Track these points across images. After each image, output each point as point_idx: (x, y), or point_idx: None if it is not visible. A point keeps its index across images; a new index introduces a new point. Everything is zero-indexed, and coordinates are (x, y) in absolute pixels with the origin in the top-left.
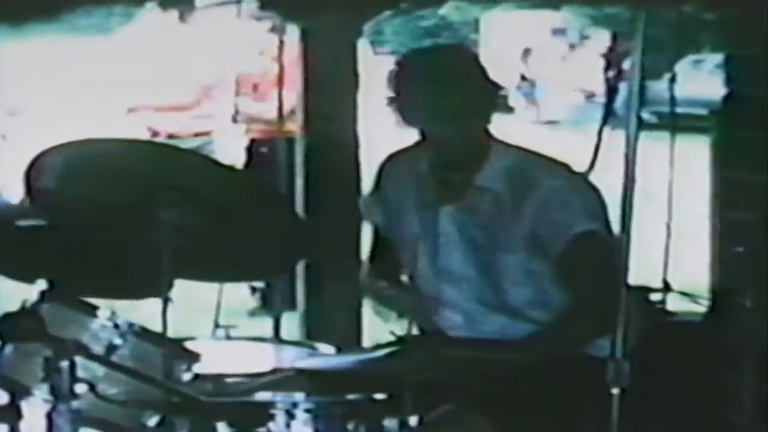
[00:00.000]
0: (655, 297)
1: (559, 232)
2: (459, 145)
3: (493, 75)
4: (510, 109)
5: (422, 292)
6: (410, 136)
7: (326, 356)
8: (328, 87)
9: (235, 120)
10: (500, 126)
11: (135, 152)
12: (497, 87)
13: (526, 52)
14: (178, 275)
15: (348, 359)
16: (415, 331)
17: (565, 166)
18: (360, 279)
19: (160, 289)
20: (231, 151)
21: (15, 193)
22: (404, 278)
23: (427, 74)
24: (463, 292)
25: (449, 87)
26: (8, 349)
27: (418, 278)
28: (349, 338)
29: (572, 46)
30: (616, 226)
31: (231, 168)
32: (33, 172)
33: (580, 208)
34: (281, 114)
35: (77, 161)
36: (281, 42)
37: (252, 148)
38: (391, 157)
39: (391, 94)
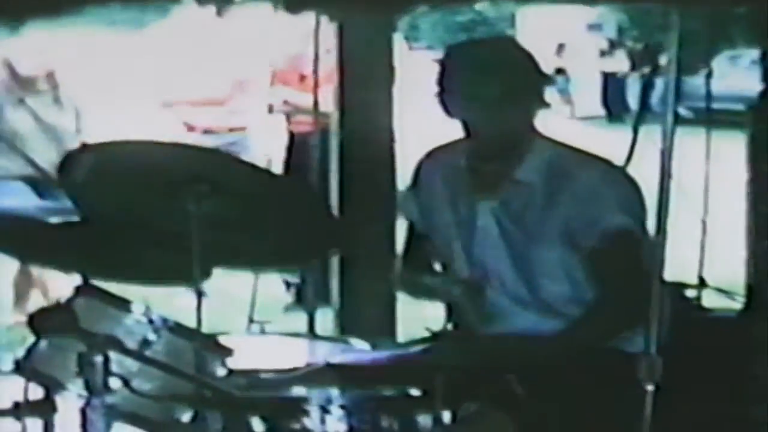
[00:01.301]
0: (690, 293)
1: (592, 226)
2: (503, 138)
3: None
4: (546, 105)
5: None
6: (446, 130)
7: (360, 351)
8: (364, 81)
9: (271, 110)
10: (536, 122)
11: (163, 150)
12: (546, 78)
13: (561, 47)
14: (211, 264)
15: (381, 354)
16: (449, 326)
17: (605, 161)
18: (393, 274)
19: (192, 277)
20: (268, 146)
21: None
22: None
23: (473, 66)
24: (497, 287)
25: (495, 78)
26: (42, 343)
27: (456, 269)
28: (383, 334)
29: (612, 45)
30: (652, 222)
31: (257, 167)
32: (66, 168)
33: (614, 202)
34: (316, 107)
35: (108, 159)
36: (317, 36)
37: (293, 140)
38: (429, 154)
39: (438, 88)
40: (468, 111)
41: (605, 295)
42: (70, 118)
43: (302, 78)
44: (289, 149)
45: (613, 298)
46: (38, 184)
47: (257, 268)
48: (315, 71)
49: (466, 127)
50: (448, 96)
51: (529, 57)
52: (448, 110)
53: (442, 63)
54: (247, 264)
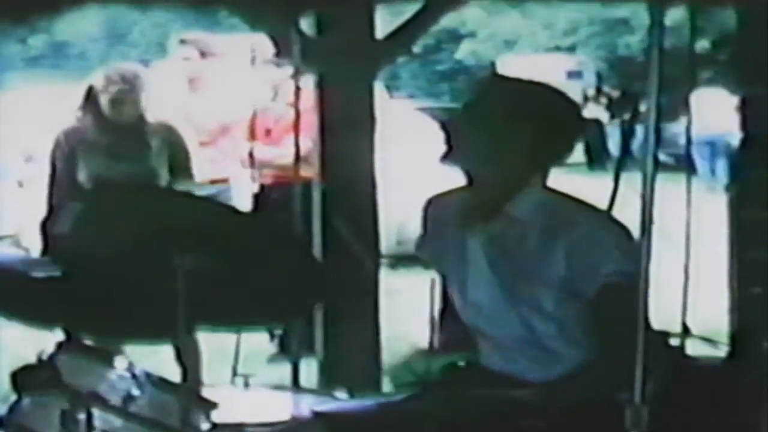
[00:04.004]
0: (674, 341)
1: (593, 272)
2: (506, 186)
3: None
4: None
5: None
6: (428, 176)
7: (344, 400)
8: (345, 131)
9: (247, 165)
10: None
11: (149, 199)
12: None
13: None
14: (195, 321)
15: (366, 403)
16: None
17: (598, 208)
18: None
19: (177, 335)
20: (245, 197)
21: (32, 240)
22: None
23: (479, 124)
24: (491, 322)
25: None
26: (26, 399)
27: (455, 309)
28: (368, 383)
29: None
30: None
31: (246, 213)
32: (50, 219)
33: (614, 249)
34: (298, 159)
35: (92, 208)
36: (297, 87)
37: (262, 194)
38: (432, 200)
39: (445, 147)
40: (478, 169)
41: (605, 342)
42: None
43: (268, 132)
44: (260, 200)
45: (614, 346)
46: None
47: (243, 326)
48: (296, 122)
49: (468, 176)
50: (454, 157)
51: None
52: (457, 165)
53: (444, 125)
54: (232, 322)
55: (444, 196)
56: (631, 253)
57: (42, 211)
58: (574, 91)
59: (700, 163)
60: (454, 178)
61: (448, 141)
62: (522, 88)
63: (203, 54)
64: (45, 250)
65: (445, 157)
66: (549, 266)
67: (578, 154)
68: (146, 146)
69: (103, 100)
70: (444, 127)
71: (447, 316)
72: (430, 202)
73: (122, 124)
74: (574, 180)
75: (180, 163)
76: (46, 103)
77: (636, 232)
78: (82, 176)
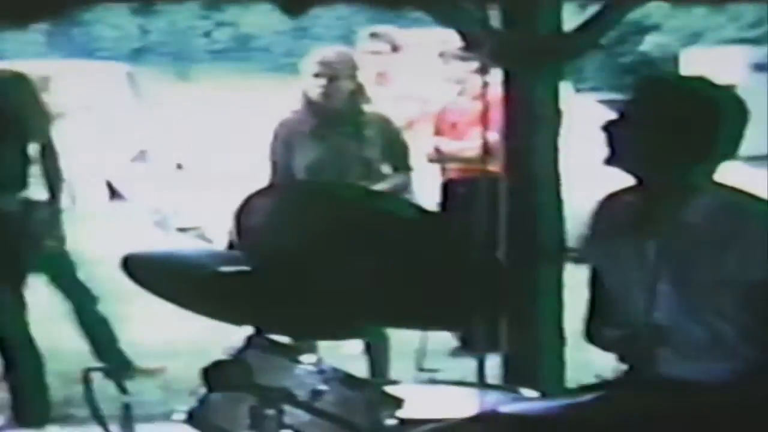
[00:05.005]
0: None
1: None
2: (675, 189)
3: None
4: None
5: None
6: (612, 173)
7: (530, 400)
8: (531, 126)
9: (432, 160)
10: None
11: (340, 196)
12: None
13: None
14: (382, 320)
15: (553, 403)
16: (621, 371)
17: None
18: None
19: (361, 333)
20: (428, 191)
21: (216, 232)
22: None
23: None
24: (670, 328)
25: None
26: (215, 395)
27: (630, 317)
28: (552, 381)
29: None
30: None
31: (429, 212)
32: (242, 214)
33: None
34: (486, 153)
35: (286, 204)
36: (485, 82)
37: (448, 188)
38: (605, 199)
39: (609, 150)
40: (641, 170)
41: None
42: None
43: (453, 126)
44: (447, 194)
45: None
46: None
47: (424, 327)
48: (484, 117)
49: (638, 178)
50: (621, 157)
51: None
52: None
53: (610, 124)
54: (414, 323)
55: (616, 197)
56: None
57: (229, 204)
58: (760, 83)
59: None
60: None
61: (611, 143)
62: (685, 87)
63: (394, 48)
64: (231, 244)
65: (609, 160)
66: (726, 267)
67: (762, 146)
68: (361, 136)
69: (315, 86)
70: (606, 129)
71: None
72: (602, 203)
73: (336, 113)
74: (758, 174)
75: (397, 154)
76: (232, 94)
77: None
78: (298, 167)
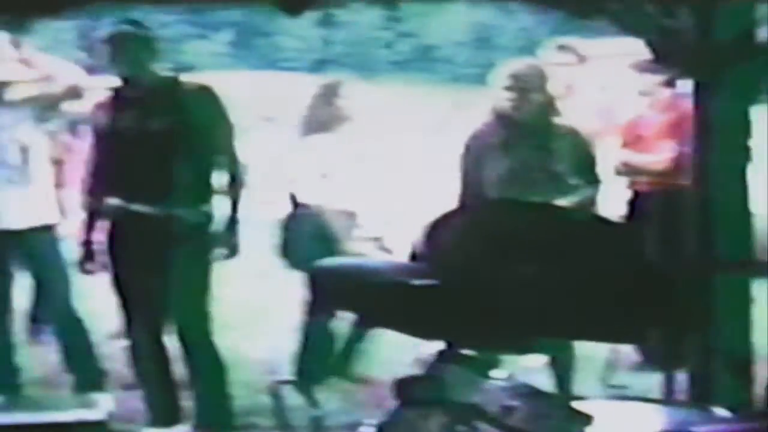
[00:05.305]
0: None
1: None
2: None
3: None
4: None
5: None
6: None
7: (724, 421)
8: (720, 139)
9: (619, 173)
10: None
11: (531, 214)
12: None
13: None
14: (563, 334)
15: (749, 425)
16: None
17: None
18: None
19: (549, 347)
20: (612, 204)
21: (395, 243)
22: None
23: None
24: None
25: None
26: (406, 409)
27: None
28: (739, 400)
29: None
30: None
31: (616, 224)
32: (434, 228)
33: None
34: (677, 167)
35: (475, 222)
36: (674, 94)
37: (635, 201)
38: None
39: None
40: None
41: None
42: None
43: (639, 138)
44: (633, 207)
45: None
46: None
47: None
48: (674, 130)
49: None
50: None
51: None
52: None
53: None
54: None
55: None
56: None
57: (410, 214)
58: None
59: None
60: None
61: None
62: None
63: (581, 59)
64: (414, 256)
65: None
66: None
67: None
68: (550, 148)
69: (506, 98)
70: None
71: None
72: None
73: (526, 126)
74: None
75: (586, 167)
76: (416, 104)
77: None
78: (488, 178)
